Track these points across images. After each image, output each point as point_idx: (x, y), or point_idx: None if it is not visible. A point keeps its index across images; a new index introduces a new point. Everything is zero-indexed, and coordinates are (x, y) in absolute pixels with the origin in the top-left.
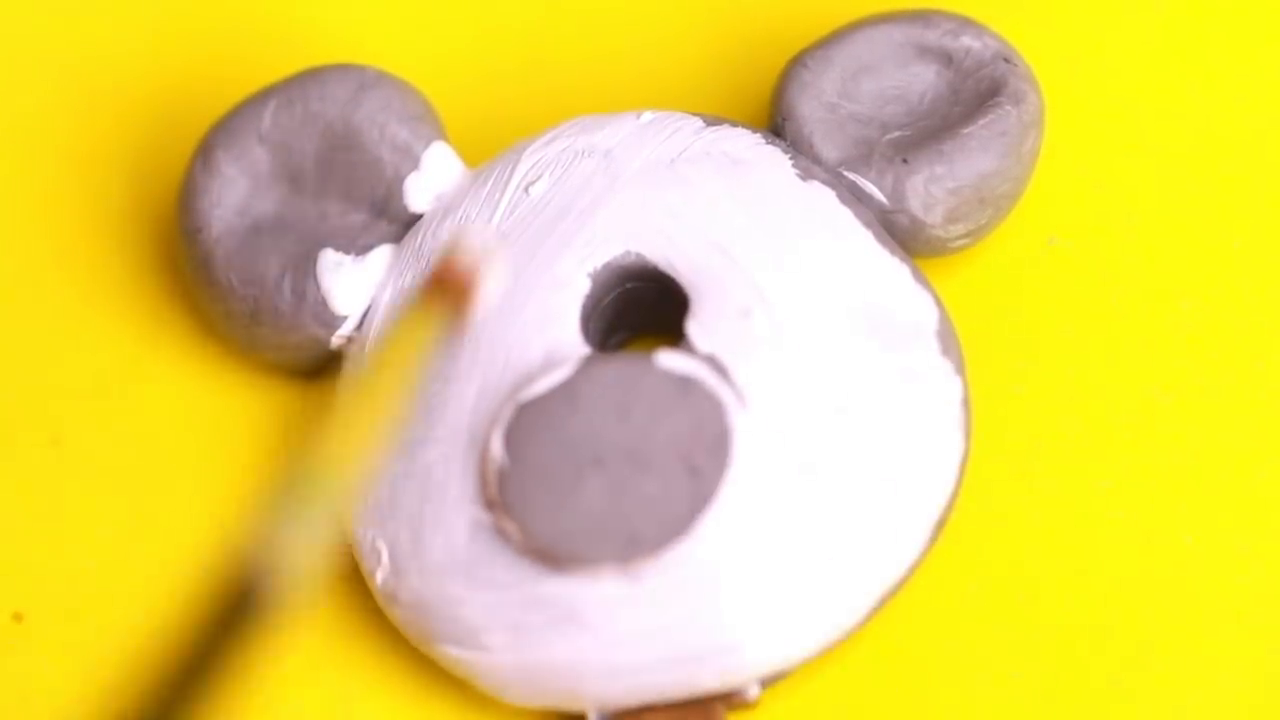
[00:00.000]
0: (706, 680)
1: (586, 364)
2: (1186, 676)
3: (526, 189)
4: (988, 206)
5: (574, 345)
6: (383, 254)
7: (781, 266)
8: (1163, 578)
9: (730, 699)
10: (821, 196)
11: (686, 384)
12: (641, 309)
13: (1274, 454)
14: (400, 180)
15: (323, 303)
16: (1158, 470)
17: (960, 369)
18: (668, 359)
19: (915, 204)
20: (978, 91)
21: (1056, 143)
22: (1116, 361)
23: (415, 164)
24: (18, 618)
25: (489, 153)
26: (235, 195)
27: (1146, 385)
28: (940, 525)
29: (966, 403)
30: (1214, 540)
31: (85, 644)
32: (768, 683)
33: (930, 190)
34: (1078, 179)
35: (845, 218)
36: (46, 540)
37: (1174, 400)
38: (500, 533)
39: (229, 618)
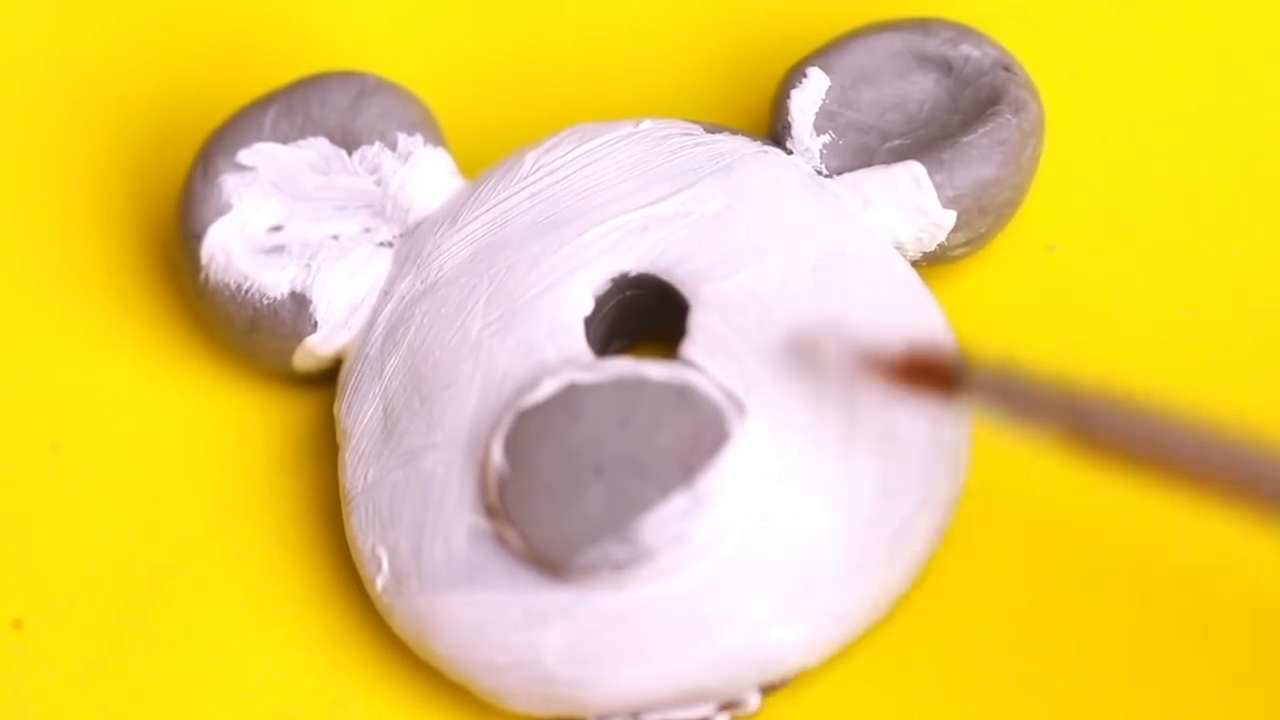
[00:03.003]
0: (705, 688)
1: (586, 371)
2: (1184, 680)
3: (527, 196)
4: (987, 215)
5: (574, 352)
6: (383, 261)
7: (781, 274)
8: (1161, 584)
9: (732, 708)
10: (820, 204)
11: (686, 391)
12: (641, 316)
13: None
14: (400, 187)
15: (322, 310)
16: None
17: None
18: (667, 366)
19: None
20: (977, 100)
21: (1056, 151)
22: (1115, 369)
23: (414, 171)
24: (17, 624)
25: (488, 160)
26: (235, 202)
27: (1144, 391)
28: (941, 531)
29: (965, 418)
30: (1211, 545)
31: (85, 651)
32: (768, 691)
33: None
34: (1078, 187)
35: (844, 225)
36: (46, 546)
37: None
38: (500, 540)
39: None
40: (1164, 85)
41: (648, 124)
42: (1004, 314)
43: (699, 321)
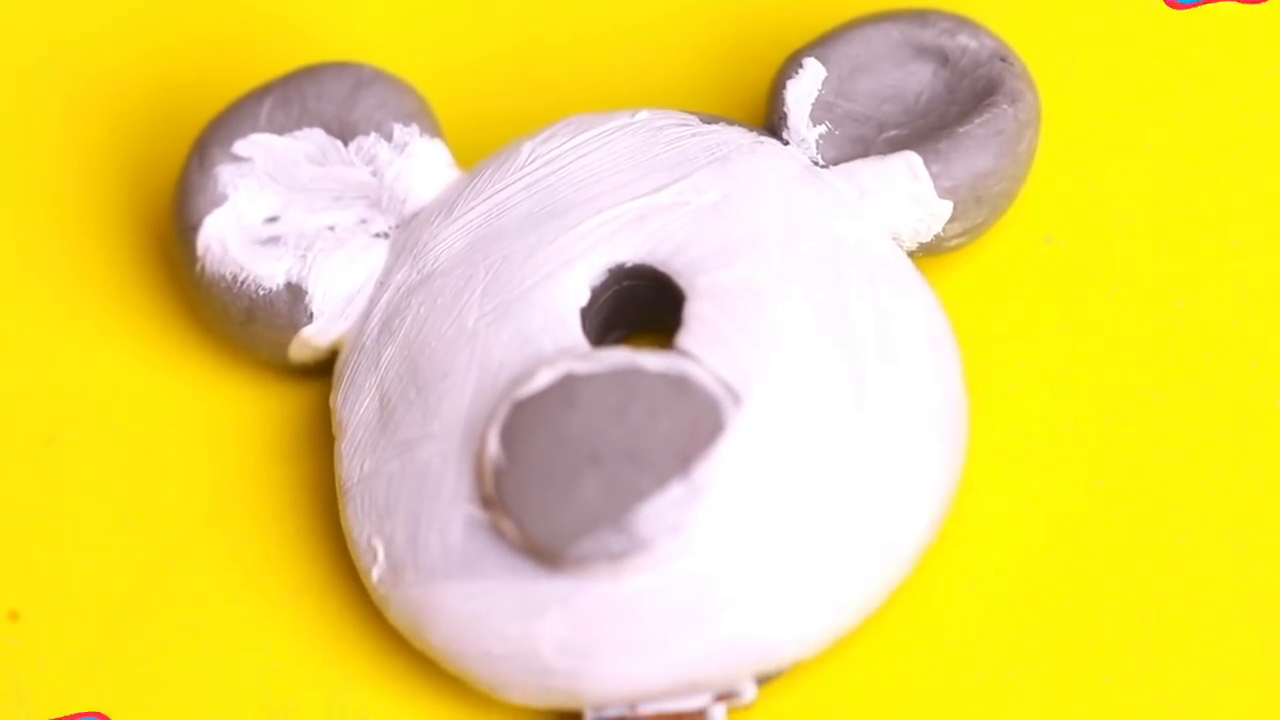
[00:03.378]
0: (702, 679)
1: (583, 361)
2: (1181, 676)
3: (523, 186)
4: (984, 206)
5: (571, 342)
6: (379, 252)
7: (777, 264)
8: (1157, 577)
9: (728, 699)
10: (816, 194)
11: (682, 382)
12: (638, 306)
13: (1267, 452)
14: (396, 178)
15: (318, 301)
16: (1151, 469)
17: (957, 367)
18: (664, 357)
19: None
20: (974, 91)
21: (1053, 142)
22: (1111, 360)
23: (411, 162)
24: (13, 616)
25: (485, 151)
26: (231, 193)
27: (1141, 384)
28: (937, 523)
29: (963, 400)
30: (1208, 539)
31: (80, 642)
32: (764, 681)
33: None
34: (1074, 178)
35: (841, 216)
36: (42, 539)
37: (1168, 399)
38: (496, 530)
39: None
40: (1160, 76)
41: (644, 114)
42: (1001, 305)
43: (695, 312)
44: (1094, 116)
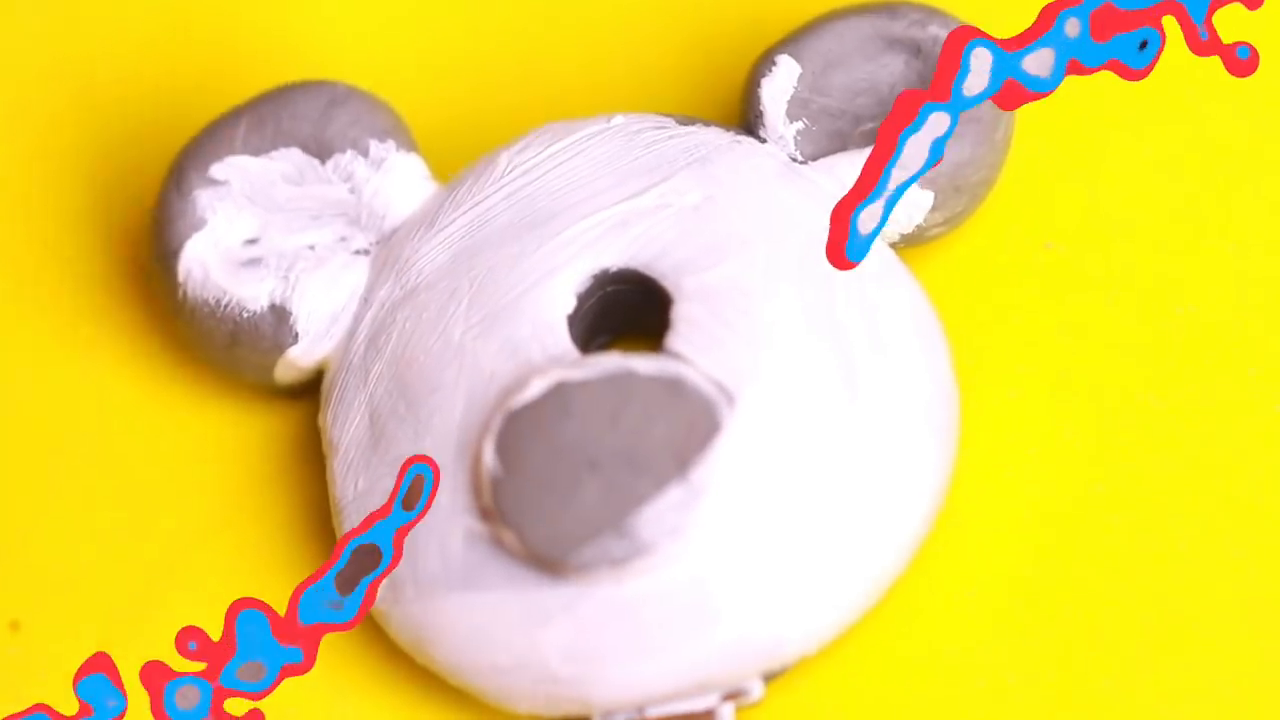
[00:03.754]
0: (708, 679)
1: (575, 369)
2: (1181, 677)
3: (503, 196)
4: (964, 194)
5: (560, 350)
6: (360, 269)
7: (764, 262)
8: (1156, 581)
9: (736, 698)
10: (797, 191)
11: (676, 384)
12: (624, 311)
13: (1266, 456)
14: (374, 194)
15: (302, 321)
16: (1151, 474)
17: (945, 356)
18: (656, 360)
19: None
20: None
21: (1052, 148)
22: (1111, 366)
23: (388, 177)
24: (14, 626)
25: (461, 163)
26: (209, 217)
27: (1140, 389)
28: (933, 514)
29: (953, 390)
30: (1207, 543)
31: (81, 652)
32: (770, 678)
33: None
34: (1074, 184)
35: (823, 211)
36: (41, 553)
37: (1168, 404)
38: (496, 541)
39: None
40: (1160, 80)
41: (619, 119)
42: (1001, 311)
43: (683, 314)
44: (1093, 121)
